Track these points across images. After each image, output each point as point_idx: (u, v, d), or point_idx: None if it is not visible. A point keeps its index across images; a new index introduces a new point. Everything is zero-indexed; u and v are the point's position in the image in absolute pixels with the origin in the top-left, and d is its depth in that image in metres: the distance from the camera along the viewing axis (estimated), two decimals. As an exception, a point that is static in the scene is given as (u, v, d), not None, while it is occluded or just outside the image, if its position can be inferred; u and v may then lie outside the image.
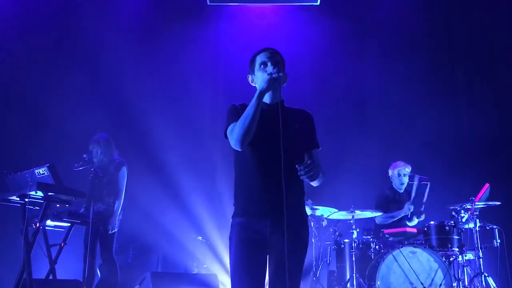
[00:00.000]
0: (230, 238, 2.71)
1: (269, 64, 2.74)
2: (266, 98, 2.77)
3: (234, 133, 2.64)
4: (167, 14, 7.67)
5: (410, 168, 6.03)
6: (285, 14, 7.93)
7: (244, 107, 2.72)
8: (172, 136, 7.15)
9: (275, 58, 2.77)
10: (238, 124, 2.63)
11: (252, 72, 2.85)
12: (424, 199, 5.84)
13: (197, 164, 7.26)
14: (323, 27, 7.68)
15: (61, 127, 6.82)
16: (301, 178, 2.55)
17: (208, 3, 7.51)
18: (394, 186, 6.11)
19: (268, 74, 2.65)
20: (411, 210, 5.78)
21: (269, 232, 2.61)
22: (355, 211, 5.50)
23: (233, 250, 2.65)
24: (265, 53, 2.79)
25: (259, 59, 2.80)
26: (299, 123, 2.80)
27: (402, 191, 6.09)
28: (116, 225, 5.38)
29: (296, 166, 2.51)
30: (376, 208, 5.87)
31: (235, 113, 2.73)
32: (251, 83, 2.89)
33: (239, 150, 2.67)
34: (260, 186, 2.65)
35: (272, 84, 2.62)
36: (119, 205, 5.42)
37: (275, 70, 2.67)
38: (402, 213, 5.82)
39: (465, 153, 7.14)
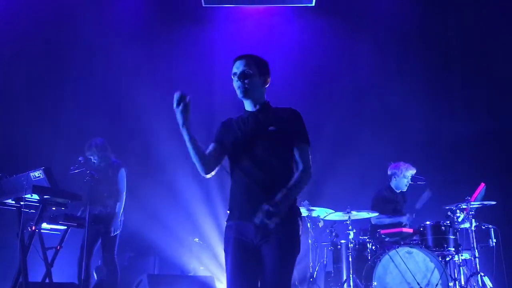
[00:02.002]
0: (224, 242, 2.81)
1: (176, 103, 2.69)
2: (248, 107, 2.91)
3: None
4: (163, 16, 7.67)
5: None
6: (280, 15, 7.93)
7: (230, 122, 2.94)
8: (169, 137, 7.12)
9: (244, 70, 2.80)
10: None
11: None
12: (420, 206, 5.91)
13: (194, 166, 7.24)
14: (318, 28, 7.69)
15: (57, 130, 6.80)
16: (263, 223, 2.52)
17: (204, 5, 7.52)
18: (392, 186, 6.13)
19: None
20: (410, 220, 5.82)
21: (254, 235, 2.65)
22: (352, 211, 5.51)
23: (226, 253, 2.74)
24: (236, 63, 2.86)
25: (233, 69, 2.87)
26: (279, 123, 2.82)
27: (399, 191, 6.11)
28: (119, 226, 5.41)
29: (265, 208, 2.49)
30: (372, 208, 5.89)
31: (214, 135, 2.94)
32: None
33: (209, 176, 2.88)
34: (243, 190, 2.75)
35: (180, 117, 2.66)
36: (121, 206, 5.47)
37: (177, 104, 2.66)
38: (402, 221, 5.82)
39: (460, 153, 7.16)
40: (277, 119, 2.84)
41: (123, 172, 5.58)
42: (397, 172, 6.11)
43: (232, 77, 2.86)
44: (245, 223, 2.67)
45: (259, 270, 2.64)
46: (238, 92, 2.85)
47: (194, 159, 2.79)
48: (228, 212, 2.85)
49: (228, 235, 2.76)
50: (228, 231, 2.78)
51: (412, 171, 6.07)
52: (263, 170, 2.72)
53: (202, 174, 2.85)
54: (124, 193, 5.53)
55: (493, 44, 7.31)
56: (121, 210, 5.46)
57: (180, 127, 2.70)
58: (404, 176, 6.07)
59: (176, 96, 2.68)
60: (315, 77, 7.59)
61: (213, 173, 2.88)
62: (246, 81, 2.81)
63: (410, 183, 6.11)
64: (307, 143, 2.84)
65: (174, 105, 2.68)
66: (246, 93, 2.83)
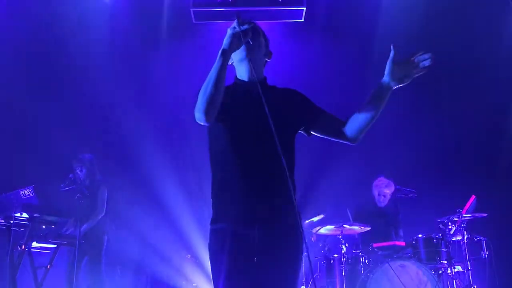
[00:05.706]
0: (210, 249, 2.27)
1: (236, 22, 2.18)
2: (244, 76, 2.38)
3: (197, 103, 2.16)
4: (152, 33, 7.67)
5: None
6: (270, 30, 7.97)
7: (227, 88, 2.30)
8: (159, 154, 7.12)
9: (254, 26, 2.32)
10: (200, 92, 2.16)
11: None
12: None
13: (185, 182, 7.23)
14: (308, 43, 7.75)
15: (47, 148, 6.76)
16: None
17: (194, 21, 7.54)
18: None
19: (231, 29, 2.17)
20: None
21: (258, 240, 2.14)
22: (344, 225, 5.50)
23: (214, 263, 2.23)
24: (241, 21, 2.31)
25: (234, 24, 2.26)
26: (287, 102, 2.39)
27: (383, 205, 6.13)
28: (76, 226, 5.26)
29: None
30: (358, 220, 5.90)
31: None
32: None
33: (206, 124, 2.19)
34: (244, 184, 2.18)
35: (236, 40, 2.15)
36: (94, 221, 5.39)
37: (240, 25, 2.17)
38: None
39: (451, 166, 7.20)
40: (284, 98, 2.40)
41: (103, 190, 5.60)
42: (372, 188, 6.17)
43: (230, 30, 2.19)
44: (245, 227, 2.14)
45: (253, 283, 2.17)
46: (241, 49, 2.20)
47: (207, 93, 2.11)
48: (212, 211, 2.33)
49: (214, 242, 2.23)
50: (215, 236, 2.23)
51: (381, 187, 6.08)
52: (276, 159, 2.11)
53: (202, 119, 2.16)
54: (99, 209, 5.49)
55: (479, 58, 7.39)
56: (91, 225, 5.36)
57: (222, 47, 2.13)
58: (373, 194, 6.15)
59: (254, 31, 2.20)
60: (304, 90, 7.61)
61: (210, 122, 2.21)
62: (254, 36, 2.23)
63: (398, 197, 6.14)
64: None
65: (236, 24, 2.15)
66: (252, 50, 2.25)
